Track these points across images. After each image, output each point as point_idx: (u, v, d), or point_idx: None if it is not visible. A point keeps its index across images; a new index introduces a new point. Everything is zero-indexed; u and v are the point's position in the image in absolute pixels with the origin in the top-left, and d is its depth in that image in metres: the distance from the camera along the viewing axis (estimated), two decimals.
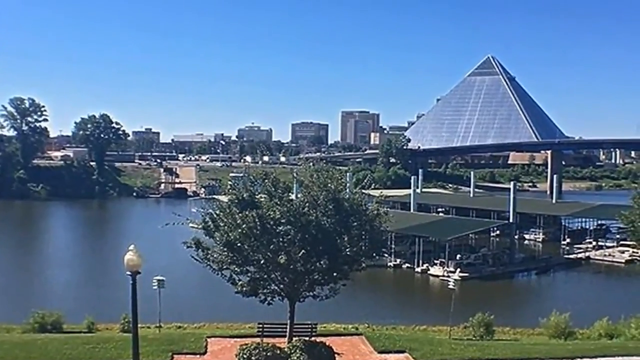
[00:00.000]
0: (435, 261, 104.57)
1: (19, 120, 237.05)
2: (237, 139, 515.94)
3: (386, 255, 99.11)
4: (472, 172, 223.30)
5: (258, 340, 41.26)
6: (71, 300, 77.27)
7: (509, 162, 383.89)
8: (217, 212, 40.07)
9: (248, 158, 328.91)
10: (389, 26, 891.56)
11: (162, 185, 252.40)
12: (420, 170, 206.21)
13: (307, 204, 39.29)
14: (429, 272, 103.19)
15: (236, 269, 39.57)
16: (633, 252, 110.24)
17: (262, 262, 38.98)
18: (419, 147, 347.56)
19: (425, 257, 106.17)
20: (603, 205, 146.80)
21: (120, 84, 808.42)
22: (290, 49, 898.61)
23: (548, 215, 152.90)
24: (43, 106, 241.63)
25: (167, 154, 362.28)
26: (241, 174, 50.81)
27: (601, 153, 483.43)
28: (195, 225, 41.16)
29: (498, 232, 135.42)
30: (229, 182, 45.08)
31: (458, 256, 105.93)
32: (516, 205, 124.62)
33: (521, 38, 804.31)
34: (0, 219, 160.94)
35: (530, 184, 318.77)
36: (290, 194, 41.39)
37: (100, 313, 59.62)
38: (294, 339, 40.86)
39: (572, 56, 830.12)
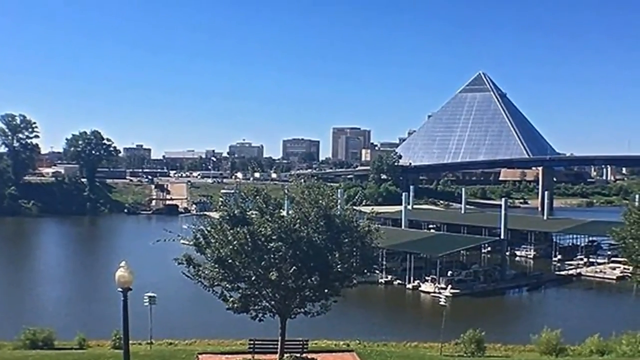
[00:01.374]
0: (427, 278, 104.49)
1: (10, 137, 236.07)
2: (228, 156, 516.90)
3: (377, 271, 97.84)
4: (463, 189, 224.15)
5: (249, 357, 42.29)
6: (62, 316, 77.30)
7: (500, 178, 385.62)
8: (209, 228, 40.20)
9: (239, 174, 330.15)
10: (380, 43, 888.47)
11: (153, 202, 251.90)
12: (411, 187, 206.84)
13: (298, 221, 39.39)
14: (420, 288, 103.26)
15: (227, 285, 39.75)
16: (624, 268, 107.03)
17: (253, 278, 39.23)
18: (410, 163, 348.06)
19: (416, 274, 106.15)
20: (594, 221, 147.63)
21: (112, 101, 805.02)
22: (282, 65, 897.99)
23: (539, 231, 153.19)
24: (34, 122, 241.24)
25: (159, 170, 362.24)
26: (232, 191, 50.86)
27: (592, 170, 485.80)
28: (187, 242, 41.67)
29: (489, 248, 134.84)
30: (220, 199, 44.95)
31: (449, 273, 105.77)
32: (507, 221, 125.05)
33: (512, 54, 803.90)
34: None
35: (522, 201, 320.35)
36: (281, 210, 41.38)
37: (91, 329, 59.58)
38: (285, 355, 41.63)
39: (563, 72, 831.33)
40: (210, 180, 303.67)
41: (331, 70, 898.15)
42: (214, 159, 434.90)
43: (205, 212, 74.19)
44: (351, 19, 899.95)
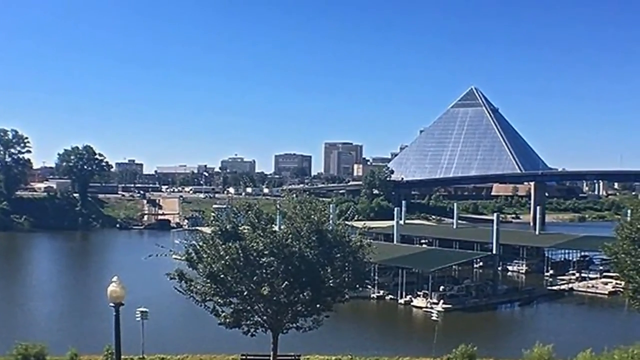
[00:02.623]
0: (419, 293, 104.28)
1: (2, 152, 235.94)
2: (220, 171, 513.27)
3: (369, 286, 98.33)
4: (455, 204, 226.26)
5: None
6: (54, 331, 77.17)
7: (492, 193, 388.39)
8: (201, 243, 40.38)
9: (231, 189, 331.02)
10: (372, 58, 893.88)
11: (145, 217, 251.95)
12: (403, 202, 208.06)
13: (290, 236, 39.62)
14: (412, 303, 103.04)
15: (219, 300, 40.00)
16: (616, 283, 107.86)
17: (245, 293, 39.69)
18: (402, 178, 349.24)
19: (408, 289, 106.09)
20: (586, 236, 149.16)
21: (104, 115, 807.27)
22: (274, 80, 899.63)
23: (531, 246, 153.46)
24: (26, 138, 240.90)
25: (151, 185, 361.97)
26: (224, 206, 51.49)
27: (584, 184, 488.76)
28: (179, 257, 42.18)
29: (481, 263, 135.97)
30: (212, 214, 45.34)
31: (441, 288, 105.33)
32: (499, 236, 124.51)
33: (504, 69, 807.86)
34: None
35: (514, 216, 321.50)
36: (273, 225, 41.55)
37: (83, 344, 59.51)
38: None
39: (555, 87, 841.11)
40: (202, 196, 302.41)
41: (323, 85, 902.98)
42: (206, 174, 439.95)
43: (197, 227, 74.41)
44: (343, 34, 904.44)
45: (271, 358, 42.90)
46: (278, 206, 49.94)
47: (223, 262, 38.40)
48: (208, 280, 39.41)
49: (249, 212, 41.28)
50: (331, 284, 39.50)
